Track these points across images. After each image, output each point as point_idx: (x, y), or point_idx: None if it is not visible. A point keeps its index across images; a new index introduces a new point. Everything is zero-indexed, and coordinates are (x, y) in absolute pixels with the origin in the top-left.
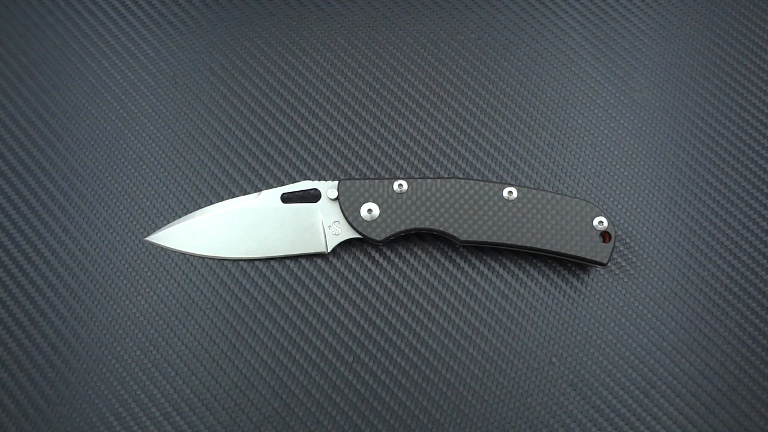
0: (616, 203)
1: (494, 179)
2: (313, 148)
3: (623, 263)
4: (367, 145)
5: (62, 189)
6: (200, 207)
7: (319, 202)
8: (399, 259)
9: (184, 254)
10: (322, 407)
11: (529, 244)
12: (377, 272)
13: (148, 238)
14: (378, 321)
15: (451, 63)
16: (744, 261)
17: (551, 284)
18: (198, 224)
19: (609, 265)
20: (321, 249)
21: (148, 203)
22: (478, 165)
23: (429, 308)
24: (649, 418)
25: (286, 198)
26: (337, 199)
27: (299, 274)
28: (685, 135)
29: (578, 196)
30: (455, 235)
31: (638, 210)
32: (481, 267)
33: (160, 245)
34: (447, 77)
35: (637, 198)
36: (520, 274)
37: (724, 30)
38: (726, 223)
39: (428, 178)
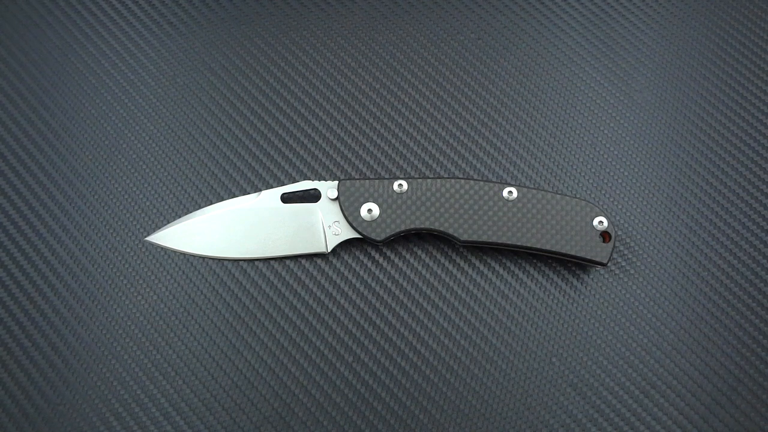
0: (616, 203)
1: (494, 179)
2: (313, 148)
3: (623, 263)
4: (367, 145)
5: (62, 189)
6: (200, 207)
7: (319, 202)
8: (399, 259)
9: (184, 254)
10: (322, 407)
11: (529, 244)
12: (377, 272)
13: (148, 238)
14: (378, 321)
15: (451, 63)
16: (744, 261)
17: (551, 284)
18: (198, 224)
19: (609, 265)
20: (321, 249)
21: (148, 203)
22: (478, 165)
23: (429, 308)
24: (649, 418)
25: (286, 198)
26: (337, 199)
27: (299, 274)
28: (685, 135)
29: (578, 196)
30: (455, 235)
31: (638, 210)
32: (481, 267)
33: (160, 245)
34: (447, 77)
35: (637, 198)
36: (520, 274)
37: (724, 30)
38: (726, 223)
39: (428, 178)
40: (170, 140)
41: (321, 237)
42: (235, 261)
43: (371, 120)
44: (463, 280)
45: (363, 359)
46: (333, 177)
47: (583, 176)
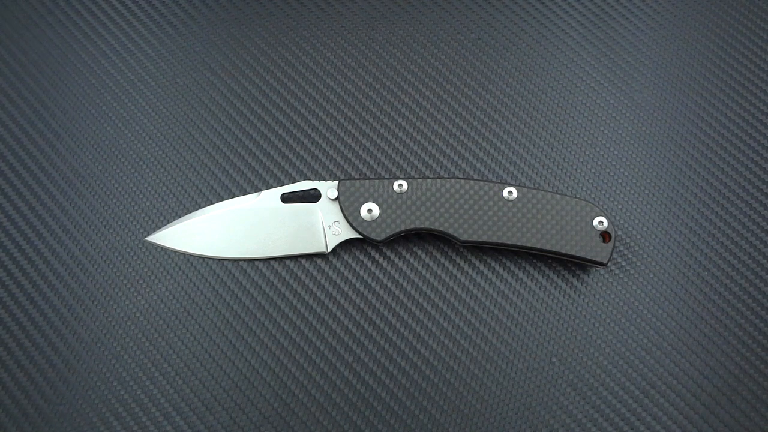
0: (616, 203)
1: (494, 179)
2: (313, 148)
3: (623, 263)
4: (367, 145)
5: (62, 189)
6: (200, 207)
7: (319, 202)
8: (399, 259)
9: (184, 254)
10: (322, 407)
11: (529, 244)
12: (377, 272)
13: (148, 238)
14: (378, 321)
15: (451, 63)
16: (744, 261)
17: (551, 284)
18: (198, 224)
19: (609, 265)
20: (321, 249)
21: (148, 203)
22: (478, 165)
23: (429, 308)
24: (649, 418)
25: (286, 198)
26: (337, 199)
27: (299, 274)
28: (685, 135)
29: (578, 196)
30: (455, 235)
31: (638, 210)
32: (481, 267)
33: (160, 245)
34: (447, 77)
35: (637, 198)
36: (520, 274)
37: (724, 30)
38: (726, 223)
39: (428, 178)
40: (170, 140)
41: (321, 237)
42: (235, 261)
43: (371, 120)
44: (463, 280)
45: (363, 359)
46: (333, 177)
47: (583, 176)
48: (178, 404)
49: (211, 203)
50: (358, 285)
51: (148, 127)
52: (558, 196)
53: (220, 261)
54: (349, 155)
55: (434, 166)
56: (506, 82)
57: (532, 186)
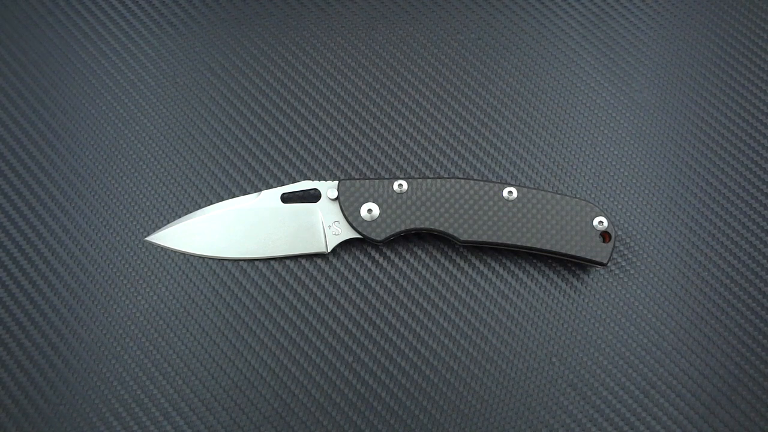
0: (616, 203)
1: (494, 179)
2: (313, 148)
3: (623, 263)
4: (367, 145)
5: (62, 189)
6: (200, 207)
7: (319, 202)
8: (399, 259)
9: (184, 254)
10: (322, 407)
11: (529, 244)
12: (377, 272)
13: (148, 238)
14: (378, 321)
15: (451, 63)
16: (744, 261)
17: (551, 284)
18: (198, 224)
19: (609, 265)
20: (321, 249)
21: (148, 203)
22: (478, 165)
23: (429, 308)
24: (649, 418)
25: (286, 198)
26: (337, 199)
27: (299, 274)
28: (685, 135)
29: (578, 196)
30: (455, 235)
31: (638, 210)
32: (481, 267)
33: (160, 245)
34: (447, 77)
35: (637, 198)
36: (520, 274)
37: (724, 30)
38: (726, 223)
39: (428, 178)
40: (170, 140)
41: (321, 237)
42: (235, 261)
43: (371, 120)
44: (463, 280)
45: (363, 359)
46: (333, 177)
47: (583, 176)
48: (178, 404)
49: (211, 203)
50: (358, 285)
51: (148, 127)
52: (558, 196)
53: (220, 261)
54: (349, 155)
55: (434, 166)
56: (506, 82)
57: (532, 186)
